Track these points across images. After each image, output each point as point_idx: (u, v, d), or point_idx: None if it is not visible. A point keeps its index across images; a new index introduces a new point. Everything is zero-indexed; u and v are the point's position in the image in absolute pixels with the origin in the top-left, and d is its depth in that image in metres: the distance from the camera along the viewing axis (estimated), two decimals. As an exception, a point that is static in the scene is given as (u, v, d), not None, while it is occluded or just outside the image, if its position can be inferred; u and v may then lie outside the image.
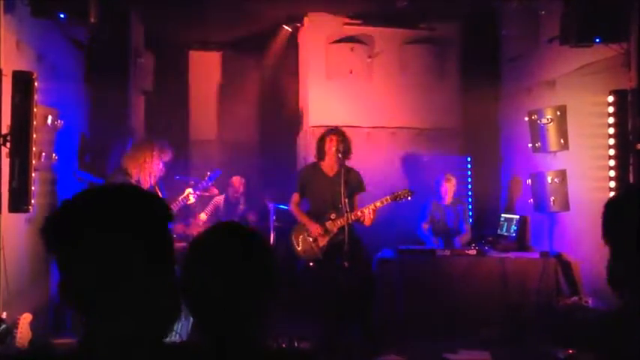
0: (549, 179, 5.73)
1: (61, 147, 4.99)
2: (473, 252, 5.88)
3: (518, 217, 6.52)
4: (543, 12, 6.04)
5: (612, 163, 4.93)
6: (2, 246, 4.07)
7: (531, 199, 6.07)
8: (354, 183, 5.36)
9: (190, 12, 7.04)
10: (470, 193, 7.34)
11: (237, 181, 7.32)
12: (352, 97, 7.24)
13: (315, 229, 5.27)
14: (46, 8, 4.38)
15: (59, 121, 4.73)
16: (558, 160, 5.86)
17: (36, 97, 4.12)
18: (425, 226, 6.49)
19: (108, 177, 5.32)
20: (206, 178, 5.69)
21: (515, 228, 6.44)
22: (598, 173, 5.16)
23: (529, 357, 5.19)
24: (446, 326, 5.48)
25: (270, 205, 6.68)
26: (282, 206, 6.38)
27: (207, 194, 6.49)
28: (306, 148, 7.01)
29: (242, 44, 8.32)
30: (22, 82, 4.04)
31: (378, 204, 5.20)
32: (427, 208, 6.53)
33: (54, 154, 4.70)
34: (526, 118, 6.06)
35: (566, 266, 5.75)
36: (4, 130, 4.02)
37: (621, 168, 4.85)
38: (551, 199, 5.70)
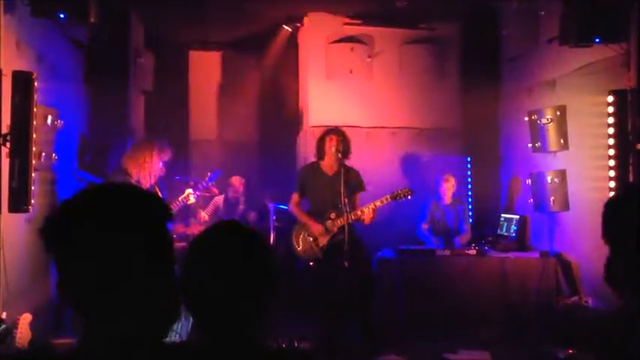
0: (549, 179, 5.74)
1: (61, 147, 4.99)
2: (473, 252, 5.88)
3: (518, 217, 6.52)
4: (543, 12, 6.03)
5: (612, 163, 4.93)
6: (2, 246, 4.07)
7: (531, 199, 6.07)
8: (353, 182, 5.36)
9: (190, 12, 7.04)
10: (470, 193, 7.35)
11: (236, 181, 7.32)
12: (352, 97, 7.24)
13: (315, 228, 5.27)
14: (46, 8, 4.37)
15: (59, 121, 4.73)
16: (558, 160, 5.86)
17: (36, 97, 4.12)
18: (425, 226, 6.49)
19: (108, 177, 5.32)
20: (206, 179, 5.70)
21: (515, 228, 6.44)
22: (598, 173, 5.15)
23: (529, 357, 5.19)
24: (446, 326, 5.48)
25: (270, 205, 6.68)
26: (282, 206, 6.39)
27: (207, 194, 6.50)
28: (306, 148, 7.01)
29: (242, 44, 8.32)
30: (22, 82, 4.04)
31: (378, 203, 5.21)
32: (427, 208, 6.53)
33: (54, 154, 4.70)
34: (526, 118, 6.06)
35: (566, 266, 5.75)
36: (4, 130, 4.02)
37: (621, 168, 4.85)
38: (551, 199, 5.70)
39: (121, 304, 1.19)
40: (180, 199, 5.38)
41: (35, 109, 4.12)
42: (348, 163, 5.35)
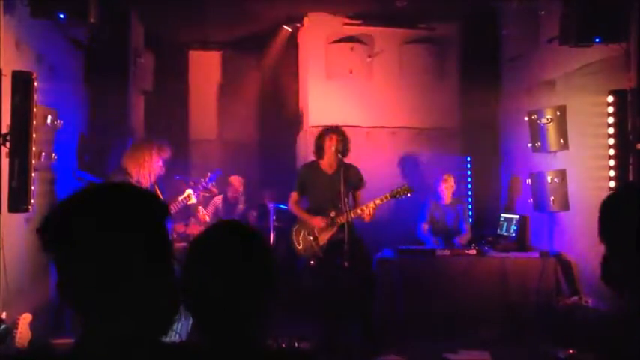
0: (549, 179, 5.74)
1: (61, 147, 4.99)
2: (473, 252, 5.88)
3: (518, 216, 6.52)
4: (543, 12, 6.03)
5: (612, 163, 4.93)
6: (2, 246, 4.07)
7: (531, 199, 6.07)
8: (354, 180, 5.37)
9: (190, 12, 7.04)
10: (470, 193, 7.35)
11: (236, 180, 7.32)
12: (352, 97, 7.24)
13: (318, 221, 5.26)
14: (45, 8, 4.37)
15: (59, 121, 4.72)
16: (558, 160, 5.86)
17: (36, 97, 4.12)
18: (425, 226, 6.49)
19: (108, 177, 5.32)
20: (206, 179, 5.70)
21: (515, 228, 6.44)
22: (598, 173, 5.15)
23: (529, 357, 5.19)
24: (446, 326, 5.48)
25: (270, 205, 6.68)
26: (282, 206, 6.39)
27: (207, 194, 6.49)
28: (306, 148, 7.01)
29: (242, 44, 8.32)
30: (21, 82, 4.04)
31: (378, 202, 5.22)
32: (426, 208, 6.53)
33: (54, 154, 4.70)
34: (526, 118, 6.07)
35: (566, 266, 5.75)
36: (4, 130, 4.02)
37: (621, 168, 4.85)
38: (551, 198, 5.71)
39: (121, 303, 1.19)
40: (180, 199, 5.39)
41: (35, 109, 4.12)
42: (347, 160, 5.35)
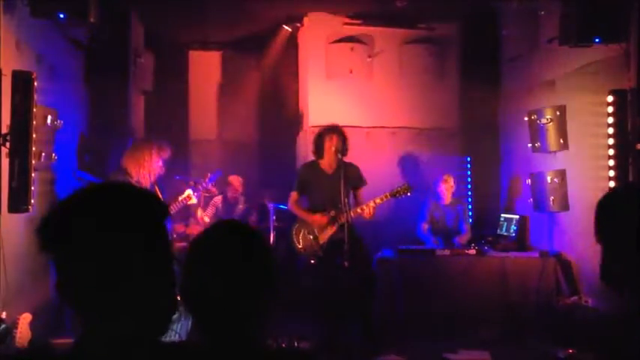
0: (549, 179, 5.74)
1: (61, 147, 4.99)
2: (472, 252, 5.88)
3: (517, 216, 6.52)
4: (543, 12, 6.03)
5: (612, 162, 4.94)
6: (2, 246, 4.07)
7: (531, 199, 6.07)
8: (353, 178, 5.37)
9: (190, 12, 7.04)
10: (470, 193, 7.35)
11: (235, 180, 7.31)
12: (352, 97, 7.24)
13: (318, 218, 5.26)
14: (45, 8, 4.37)
15: (59, 121, 4.72)
16: (558, 160, 5.87)
17: (36, 97, 4.11)
18: (424, 226, 6.49)
19: (108, 177, 5.32)
20: (207, 179, 5.70)
21: (515, 228, 6.44)
22: (598, 173, 5.16)
23: (529, 357, 5.19)
24: (446, 326, 5.48)
25: (270, 205, 6.68)
26: (282, 206, 6.39)
27: (207, 194, 6.50)
28: (306, 148, 7.00)
29: (242, 44, 8.32)
30: (21, 82, 4.04)
31: (378, 201, 5.23)
32: (426, 208, 6.53)
33: (53, 154, 4.70)
34: (526, 118, 6.07)
35: (565, 266, 5.75)
36: (4, 130, 4.02)
37: (621, 168, 4.85)
38: (551, 198, 5.71)
39: (120, 303, 1.19)
40: (180, 199, 5.39)
41: (35, 109, 4.12)
42: (346, 159, 5.34)
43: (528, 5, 6.32)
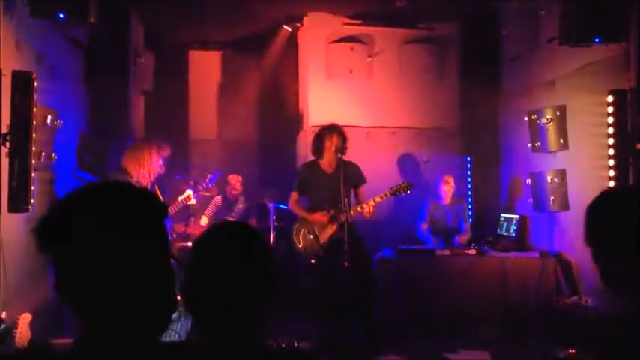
0: (549, 179, 5.74)
1: (61, 147, 4.99)
2: (472, 252, 5.88)
3: (517, 216, 6.52)
4: (543, 12, 6.03)
5: (612, 162, 4.94)
6: (2, 246, 4.07)
7: (531, 199, 6.07)
8: (354, 177, 5.37)
9: (190, 12, 7.04)
10: (470, 193, 7.35)
11: (234, 179, 7.30)
12: (352, 97, 7.24)
13: (318, 217, 5.26)
14: (45, 8, 4.37)
15: (59, 121, 4.72)
16: (558, 160, 5.87)
17: (36, 97, 4.12)
18: (424, 226, 6.49)
19: (108, 177, 5.33)
20: (207, 180, 5.69)
21: (515, 228, 6.44)
22: (598, 173, 5.16)
23: (529, 357, 5.19)
24: (446, 326, 5.48)
25: (270, 205, 6.68)
26: (282, 206, 6.39)
27: (207, 194, 6.49)
28: (306, 148, 6.99)
29: (242, 44, 8.31)
30: (21, 82, 4.04)
31: (378, 199, 5.23)
32: (426, 208, 6.54)
33: (53, 154, 4.70)
34: (526, 118, 6.07)
35: (565, 266, 5.75)
36: (4, 130, 4.02)
37: (621, 168, 4.86)
38: (551, 198, 5.71)
39: (120, 303, 1.18)
40: (180, 199, 5.38)
41: (35, 109, 4.12)
42: (346, 159, 5.34)
43: (528, 5, 6.32)
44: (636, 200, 1.70)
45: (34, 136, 4.10)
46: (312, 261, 5.35)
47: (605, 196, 1.72)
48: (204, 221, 6.90)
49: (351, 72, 7.25)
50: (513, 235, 6.42)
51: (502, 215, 6.82)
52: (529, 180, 6.12)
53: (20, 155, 4.01)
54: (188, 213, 6.78)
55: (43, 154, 4.46)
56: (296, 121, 7.78)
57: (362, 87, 7.30)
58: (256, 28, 7.69)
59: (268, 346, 1.63)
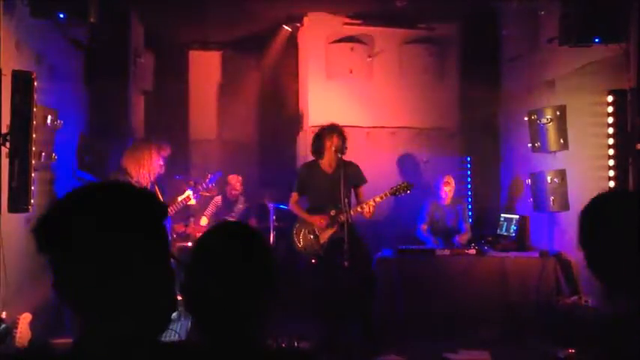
0: (549, 179, 5.74)
1: (61, 147, 4.99)
2: (472, 252, 5.88)
3: (517, 216, 6.52)
4: (543, 12, 6.03)
5: (612, 162, 4.94)
6: (2, 246, 4.07)
7: (531, 199, 6.07)
8: (354, 177, 5.37)
9: (190, 12, 7.04)
10: (470, 193, 7.35)
11: (234, 179, 7.31)
12: (352, 97, 7.24)
13: (318, 220, 5.27)
14: (45, 8, 4.37)
15: (59, 121, 4.72)
16: (558, 159, 5.87)
17: (36, 97, 4.12)
18: (424, 227, 6.49)
19: (108, 177, 5.32)
20: (207, 180, 5.69)
21: (515, 228, 6.44)
22: (598, 173, 5.16)
23: (529, 357, 5.19)
24: (446, 326, 5.48)
25: (270, 205, 6.68)
26: (282, 206, 6.39)
27: (207, 194, 6.49)
28: (306, 148, 6.99)
29: (242, 44, 8.31)
30: (22, 82, 4.04)
31: (378, 199, 5.23)
32: (425, 208, 6.54)
33: (53, 154, 4.70)
34: (526, 118, 6.07)
35: (565, 265, 5.75)
36: (4, 130, 4.02)
37: (621, 168, 4.86)
38: (551, 198, 5.71)
39: (119, 303, 1.18)
40: (180, 199, 5.38)
41: (35, 109, 4.12)
42: (346, 159, 5.34)
43: (528, 5, 6.32)
44: (630, 203, 1.72)
45: (34, 136, 4.10)
46: (313, 261, 5.35)
47: (599, 199, 1.73)
48: (204, 221, 6.91)
49: (351, 72, 7.25)
50: (513, 235, 6.42)
51: (502, 215, 6.82)
52: (529, 180, 6.12)
53: (20, 155, 4.01)
54: (188, 213, 6.78)
55: (43, 154, 4.46)
56: (296, 121, 7.78)
57: (362, 87, 7.30)
58: (256, 28, 7.69)
59: (268, 346, 1.63)
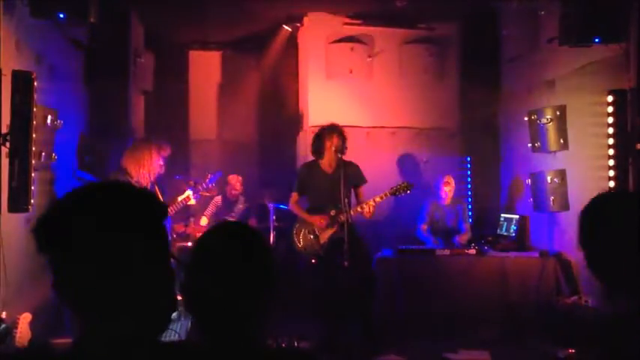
0: (549, 179, 5.74)
1: (61, 147, 4.99)
2: (472, 252, 5.88)
3: (517, 216, 6.52)
4: (543, 12, 6.03)
5: (612, 162, 4.94)
6: (2, 246, 4.07)
7: (531, 199, 6.07)
8: (354, 177, 5.37)
9: (190, 12, 7.04)
10: (470, 193, 7.35)
11: (234, 179, 7.31)
12: (352, 97, 7.24)
13: (318, 220, 5.27)
14: (45, 8, 4.37)
15: (59, 121, 4.72)
16: (558, 159, 5.87)
17: (36, 96, 4.12)
18: (424, 227, 6.49)
19: (108, 177, 5.32)
20: (207, 180, 5.69)
21: (515, 228, 6.44)
22: (598, 173, 5.16)
23: (529, 357, 5.19)
24: (446, 326, 5.48)
25: (270, 205, 6.68)
26: (282, 206, 6.39)
27: (207, 194, 6.49)
28: (306, 148, 6.99)
29: (242, 44, 8.31)
30: (21, 82, 4.04)
31: (378, 199, 5.23)
32: (425, 209, 6.54)
33: (53, 154, 4.70)
34: (526, 118, 6.07)
35: (565, 265, 5.75)
36: (4, 130, 4.02)
37: (621, 168, 4.86)
38: (551, 198, 5.71)
39: (119, 303, 1.18)
40: (179, 199, 5.38)
41: (35, 109, 4.12)
42: (346, 159, 5.34)
43: (528, 5, 6.32)
44: (630, 204, 1.72)
45: (34, 136, 4.10)
46: (313, 261, 5.35)
47: (599, 199, 1.74)
48: (204, 221, 6.91)
49: (351, 72, 7.25)
50: (513, 235, 6.42)
51: (502, 215, 6.82)
52: (529, 180, 6.12)
53: (20, 155, 4.01)
54: (188, 213, 6.78)
55: (43, 154, 4.46)
56: (296, 121, 7.78)
57: (362, 87, 7.29)
58: (256, 28, 7.69)
59: (268, 346, 1.63)
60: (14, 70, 4.07)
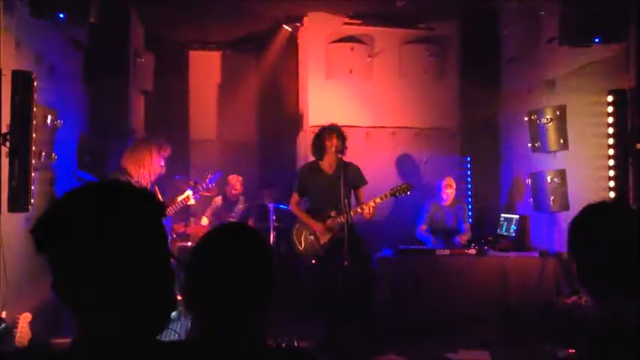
0: (549, 179, 5.74)
1: (61, 147, 4.99)
2: (472, 251, 5.88)
3: (517, 216, 6.52)
4: (543, 12, 6.03)
5: (612, 162, 4.94)
6: (2, 246, 4.07)
7: (531, 199, 6.07)
8: (354, 178, 5.37)
9: (190, 12, 7.04)
10: (470, 193, 7.35)
11: (234, 179, 7.31)
12: (352, 97, 7.24)
13: (316, 227, 5.28)
14: (45, 8, 4.37)
15: (59, 121, 4.73)
16: (558, 159, 5.87)
17: (36, 96, 4.12)
18: (423, 227, 6.49)
19: (108, 177, 5.32)
20: (207, 180, 5.69)
21: (515, 228, 6.44)
22: (598, 173, 5.16)
23: (529, 357, 5.19)
24: (446, 326, 5.48)
25: (270, 205, 6.68)
26: (282, 206, 6.39)
27: (207, 194, 6.49)
28: (306, 148, 6.98)
29: (242, 44, 8.32)
30: (21, 82, 4.04)
31: (378, 200, 5.23)
32: (425, 209, 6.54)
33: (53, 154, 4.70)
34: (526, 118, 6.07)
35: (565, 265, 5.74)
36: (4, 130, 4.02)
37: (621, 168, 4.85)
38: (551, 198, 5.71)
39: (118, 302, 1.18)
40: (179, 199, 5.38)
41: (35, 109, 4.12)
42: (346, 159, 5.34)
43: (528, 5, 6.32)
44: (620, 215, 1.75)
45: (34, 136, 4.10)
46: (313, 261, 5.35)
47: (589, 210, 1.75)
48: (204, 221, 6.91)
49: (351, 72, 7.25)
50: (513, 235, 6.42)
51: (502, 215, 6.82)
52: (529, 180, 6.12)
53: (20, 155, 4.01)
54: (188, 213, 6.78)
55: (43, 153, 4.46)
56: (296, 121, 7.78)
57: (362, 87, 7.29)
58: (256, 28, 7.70)
59: (268, 346, 1.63)
60: (14, 70, 4.07)
